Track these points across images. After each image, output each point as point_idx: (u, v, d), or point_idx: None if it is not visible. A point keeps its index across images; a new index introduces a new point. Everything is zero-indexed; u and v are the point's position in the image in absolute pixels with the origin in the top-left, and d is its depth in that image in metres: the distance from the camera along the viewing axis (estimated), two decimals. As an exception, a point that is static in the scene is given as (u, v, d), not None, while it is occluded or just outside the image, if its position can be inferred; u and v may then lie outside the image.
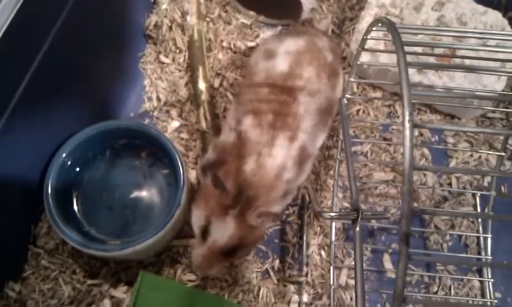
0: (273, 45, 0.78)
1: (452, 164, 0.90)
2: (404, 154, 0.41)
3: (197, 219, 0.66)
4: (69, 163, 0.77)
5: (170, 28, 0.96)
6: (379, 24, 0.59)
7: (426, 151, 0.90)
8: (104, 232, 0.77)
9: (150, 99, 0.95)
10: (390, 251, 0.82)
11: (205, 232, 0.64)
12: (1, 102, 0.64)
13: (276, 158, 0.66)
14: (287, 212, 0.85)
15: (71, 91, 0.79)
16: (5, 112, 0.64)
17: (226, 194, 0.61)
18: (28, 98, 0.67)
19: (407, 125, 0.42)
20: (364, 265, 0.80)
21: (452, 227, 0.84)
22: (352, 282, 0.80)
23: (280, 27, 1.02)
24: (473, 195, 0.87)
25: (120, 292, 0.77)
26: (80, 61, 0.79)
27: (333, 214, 0.68)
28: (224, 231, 0.63)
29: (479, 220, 0.84)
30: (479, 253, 0.82)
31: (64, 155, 0.76)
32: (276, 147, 0.66)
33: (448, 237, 0.84)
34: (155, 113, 0.93)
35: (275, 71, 0.73)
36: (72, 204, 0.78)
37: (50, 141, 0.77)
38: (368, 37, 0.65)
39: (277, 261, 0.82)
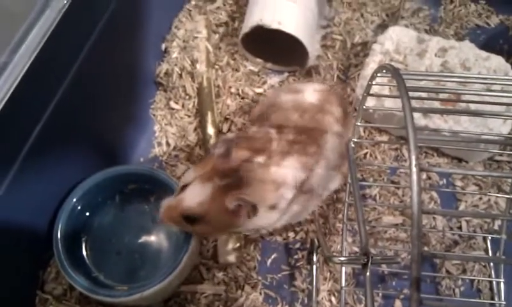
0: (296, 85, 0.84)
1: (461, 207, 0.89)
2: (412, 198, 0.41)
3: (186, 176, 0.66)
4: (79, 208, 0.77)
5: (180, 76, 0.99)
6: (384, 70, 0.61)
7: (435, 194, 0.90)
8: (112, 277, 0.77)
9: (159, 144, 0.96)
10: (402, 296, 0.81)
11: (184, 188, 0.64)
12: (13, 149, 0.65)
13: (283, 168, 0.67)
14: (295, 256, 0.84)
15: (82, 137, 0.80)
16: (17, 158, 0.66)
17: (225, 160, 0.62)
18: (40, 145, 0.69)
19: (414, 169, 0.42)
20: (375, 311, 0.79)
21: (464, 271, 0.83)
22: (363, 329, 0.79)
23: (286, 74, 1.05)
24: (484, 238, 0.86)
25: (127, 339, 0.76)
26: (92, 108, 0.81)
27: (342, 259, 0.68)
28: (197, 194, 0.62)
29: (491, 264, 0.83)
30: (492, 298, 0.81)
31: (74, 200, 0.76)
32: (288, 161, 0.68)
33: (460, 282, 0.82)
34: (165, 158, 0.94)
35: (305, 102, 0.77)
36: (81, 249, 0.78)
37: (61, 186, 0.78)
38: (374, 83, 0.67)
39: (286, 308, 0.81)
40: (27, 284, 0.77)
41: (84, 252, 0.79)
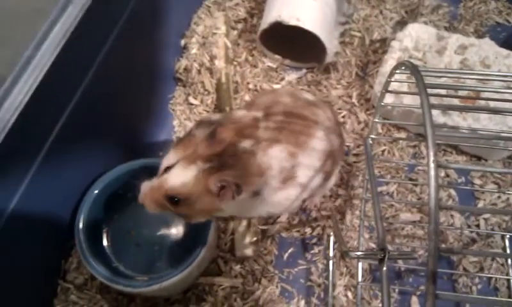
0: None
1: (480, 205, 0.89)
2: (430, 194, 0.42)
3: (168, 159, 0.65)
4: (100, 200, 0.79)
5: (199, 71, 1.00)
6: (403, 67, 0.61)
7: (453, 192, 0.90)
8: (131, 268, 0.79)
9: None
10: (418, 293, 0.81)
11: (166, 170, 0.63)
12: (37, 142, 0.67)
13: (269, 156, 0.65)
14: (312, 251, 0.85)
15: (104, 131, 0.82)
16: (41, 151, 0.68)
17: (210, 143, 0.61)
18: (63, 138, 0.70)
19: (432, 165, 0.43)
20: (391, 307, 0.79)
21: (481, 269, 0.82)
22: (379, 324, 0.79)
23: (304, 70, 1.05)
24: (502, 237, 0.85)
25: (146, 329, 0.77)
26: (113, 103, 0.83)
27: (359, 253, 0.68)
28: (180, 176, 0.61)
29: (509, 262, 0.82)
30: (510, 296, 0.80)
31: (96, 192, 0.78)
32: (274, 148, 0.66)
33: (477, 280, 0.82)
34: (183, 152, 0.95)
35: (301, 96, 0.76)
36: (102, 240, 0.80)
37: (83, 178, 0.80)
38: (392, 79, 0.67)
39: (302, 302, 0.81)
40: (50, 273, 0.79)
41: (105, 243, 0.80)
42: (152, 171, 0.81)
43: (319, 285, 0.82)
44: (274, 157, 0.66)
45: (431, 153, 0.43)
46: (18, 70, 0.62)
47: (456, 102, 0.86)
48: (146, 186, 0.65)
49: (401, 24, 1.08)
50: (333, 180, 0.81)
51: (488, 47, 0.94)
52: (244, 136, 0.65)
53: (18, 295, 0.71)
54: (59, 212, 0.77)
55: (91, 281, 0.80)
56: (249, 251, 0.82)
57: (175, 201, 0.63)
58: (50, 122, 0.68)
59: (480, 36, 1.07)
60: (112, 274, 0.73)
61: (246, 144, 0.64)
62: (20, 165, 0.65)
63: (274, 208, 0.73)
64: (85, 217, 0.76)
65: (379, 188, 0.90)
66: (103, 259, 0.76)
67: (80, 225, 0.75)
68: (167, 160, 0.65)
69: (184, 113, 1.00)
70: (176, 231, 0.82)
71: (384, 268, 0.53)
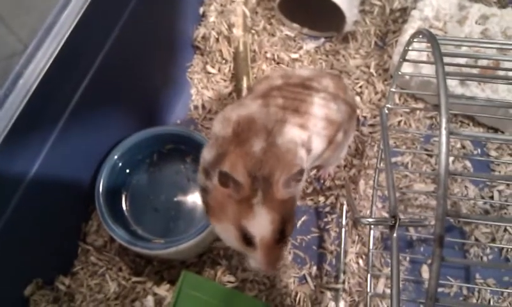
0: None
1: (496, 177, 0.89)
2: (440, 160, 0.43)
3: (228, 233, 0.59)
4: (120, 165, 0.81)
5: (217, 40, 1.00)
6: (420, 36, 0.60)
7: (468, 164, 0.90)
8: (149, 231, 0.81)
9: (196, 107, 0.99)
10: (429, 261, 0.82)
11: (247, 239, 0.57)
12: (60, 107, 0.69)
13: (288, 135, 0.62)
14: (325, 219, 0.86)
15: (123, 97, 0.84)
16: (63, 116, 0.69)
17: (241, 187, 0.54)
18: (84, 104, 0.72)
19: (443, 132, 0.43)
20: (402, 274, 0.80)
21: (493, 240, 0.83)
22: (390, 292, 0.80)
23: (322, 40, 1.04)
24: (516, 208, 0.85)
25: (163, 290, 0.79)
26: (132, 70, 0.84)
27: (370, 220, 0.69)
28: (263, 223, 0.55)
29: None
30: (521, 267, 0.81)
31: (115, 157, 0.80)
32: (288, 126, 0.63)
33: (488, 251, 0.82)
34: (200, 120, 0.97)
35: (295, 74, 0.74)
36: (121, 204, 0.83)
37: (103, 144, 0.82)
38: (410, 48, 0.66)
39: (314, 268, 0.83)
40: (70, 235, 0.82)
41: (124, 207, 0.83)
42: (168, 138, 0.84)
43: (331, 252, 0.84)
44: (291, 130, 0.64)
45: (444, 120, 0.44)
46: (41, 36, 0.63)
47: (475, 72, 0.85)
48: (259, 262, 0.58)
49: (422, -7, 1.06)
50: (345, 149, 0.81)
51: (510, 17, 0.92)
52: (248, 139, 0.61)
53: (40, 256, 0.74)
54: (79, 176, 0.79)
55: (110, 244, 0.83)
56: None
57: (283, 234, 0.58)
58: (72, 88, 0.70)
59: (503, 6, 1.05)
60: (131, 237, 0.75)
61: (259, 142, 0.60)
62: (43, 129, 0.67)
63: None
64: (105, 182, 0.78)
65: (394, 159, 0.91)
66: (122, 222, 0.79)
67: (100, 189, 0.77)
68: (231, 235, 0.58)
69: (201, 82, 1.01)
70: (192, 197, 0.84)
71: (395, 235, 0.54)
